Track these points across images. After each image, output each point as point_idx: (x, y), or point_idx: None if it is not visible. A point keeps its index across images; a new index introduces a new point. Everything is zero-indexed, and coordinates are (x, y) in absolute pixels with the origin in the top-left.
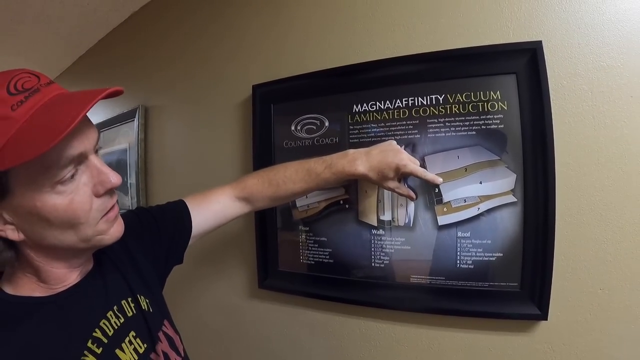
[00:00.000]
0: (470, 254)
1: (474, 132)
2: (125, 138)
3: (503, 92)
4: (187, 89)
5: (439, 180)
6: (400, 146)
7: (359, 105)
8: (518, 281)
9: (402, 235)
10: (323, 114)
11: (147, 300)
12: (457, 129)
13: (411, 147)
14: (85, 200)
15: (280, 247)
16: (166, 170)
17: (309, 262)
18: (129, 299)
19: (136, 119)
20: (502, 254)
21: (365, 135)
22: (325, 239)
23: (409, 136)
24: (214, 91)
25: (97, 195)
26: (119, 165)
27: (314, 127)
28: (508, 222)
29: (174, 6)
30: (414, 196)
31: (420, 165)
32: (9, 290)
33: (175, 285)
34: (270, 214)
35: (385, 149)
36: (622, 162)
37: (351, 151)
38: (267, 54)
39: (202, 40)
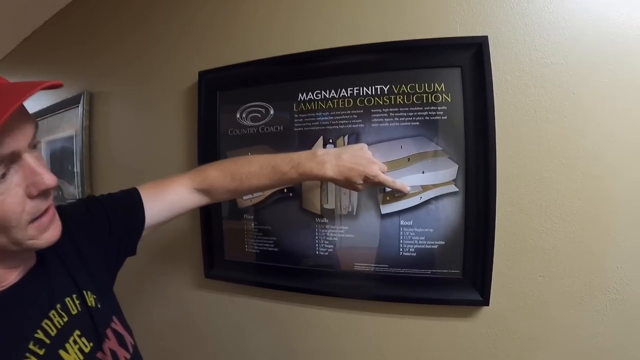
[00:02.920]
0: (412, 242)
1: (417, 123)
2: (70, 125)
3: (447, 85)
4: (133, 75)
5: (407, 188)
6: (345, 135)
7: (305, 94)
8: (460, 268)
9: (345, 224)
10: (268, 102)
11: (95, 297)
12: (400, 119)
13: (355, 136)
14: (17, 202)
15: (226, 236)
16: (111, 158)
17: (254, 250)
18: (74, 296)
19: (80, 105)
20: (444, 242)
21: (310, 124)
22: (270, 228)
23: (353, 125)
24: (160, 77)
25: (30, 197)
26: (64, 154)
27: (259, 115)
28: (450, 211)
29: None
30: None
31: None
32: None
33: (122, 277)
34: None
35: (357, 155)
36: (561, 155)
37: (320, 152)
38: (215, 40)
39: (149, 25)
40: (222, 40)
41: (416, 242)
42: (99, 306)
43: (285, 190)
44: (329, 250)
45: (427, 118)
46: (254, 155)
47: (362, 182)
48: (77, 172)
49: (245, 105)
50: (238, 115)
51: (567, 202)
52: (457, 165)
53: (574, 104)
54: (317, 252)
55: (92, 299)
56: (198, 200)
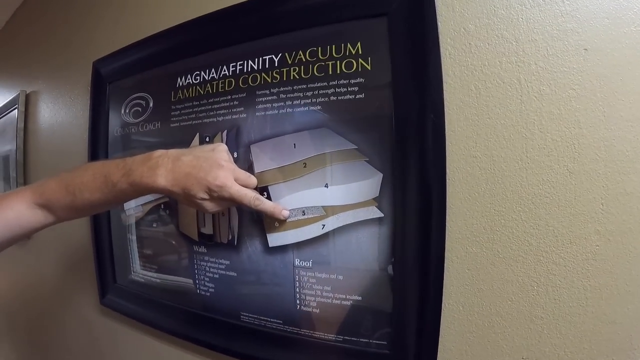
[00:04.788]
0: (313, 292)
1: (318, 107)
2: (12, 128)
3: (366, 45)
4: (55, 71)
5: (285, 213)
6: (224, 131)
7: (183, 78)
8: (387, 339)
9: (226, 257)
10: (149, 92)
11: None
12: (294, 102)
13: (235, 131)
14: None
15: (116, 258)
16: (41, 163)
17: (139, 279)
18: None
19: (18, 107)
20: (360, 298)
21: (187, 117)
22: (151, 253)
23: (234, 116)
24: (75, 72)
25: None
26: (8, 159)
27: (140, 110)
28: (369, 250)
29: None
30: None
31: (248, 165)
32: None
33: (34, 294)
34: (104, 215)
35: (201, 157)
36: (567, 156)
37: (157, 153)
38: (109, 23)
39: (71, 17)
40: (118, 19)
41: (318, 293)
42: None
43: (162, 206)
44: (210, 290)
45: (333, 98)
46: (95, 162)
47: (206, 196)
48: (13, 178)
49: (130, 97)
50: (122, 111)
51: (576, 237)
52: (382, 175)
53: (586, 69)
54: (197, 291)
55: None
56: (42, 218)
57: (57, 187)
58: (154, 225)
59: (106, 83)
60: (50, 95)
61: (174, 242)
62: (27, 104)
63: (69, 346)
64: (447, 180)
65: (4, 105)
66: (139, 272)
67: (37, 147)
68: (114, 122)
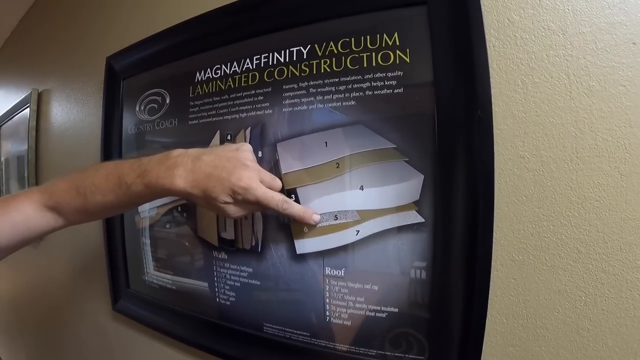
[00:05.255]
0: (344, 303)
1: (352, 102)
2: (24, 127)
3: (404, 35)
4: (68, 69)
5: (315, 218)
6: (247, 128)
7: (203, 72)
8: (425, 353)
9: (248, 264)
10: (166, 87)
11: None
12: (326, 97)
13: (259, 128)
14: None
15: (129, 263)
16: (53, 162)
17: (153, 285)
18: None
19: (30, 106)
20: (397, 310)
21: (206, 114)
22: (165, 258)
23: (258, 112)
24: (86, 68)
25: None
26: (20, 159)
27: (156, 106)
28: (408, 258)
29: None
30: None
31: (272, 165)
32: None
33: (47, 297)
34: (117, 218)
35: (223, 157)
36: (618, 156)
37: (176, 152)
38: (124, 14)
39: (83, 11)
40: (131, 15)
41: (351, 304)
42: None
43: (179, 208)
44: (230, 299)
45: (368, 93)
46: (108, 162)
47: (229, 199)
48: (26, 178)
49: (145, 93)
50: (137, 108)
51: (626, 244)
52: (423, 176)
53: (636, 64)
54: (217, 299)
55: None
56: (51, 221)
57: (67, 188)
58: (170, 228)
59: (120, 79)
60: (62, 94)
61: (191, 248)
62: (39, 102)
63: (81, 353)
64: (494, 184)
65: (16, 105)
66: (154, 277)
67: (49, 146)
68: (128, 120)
